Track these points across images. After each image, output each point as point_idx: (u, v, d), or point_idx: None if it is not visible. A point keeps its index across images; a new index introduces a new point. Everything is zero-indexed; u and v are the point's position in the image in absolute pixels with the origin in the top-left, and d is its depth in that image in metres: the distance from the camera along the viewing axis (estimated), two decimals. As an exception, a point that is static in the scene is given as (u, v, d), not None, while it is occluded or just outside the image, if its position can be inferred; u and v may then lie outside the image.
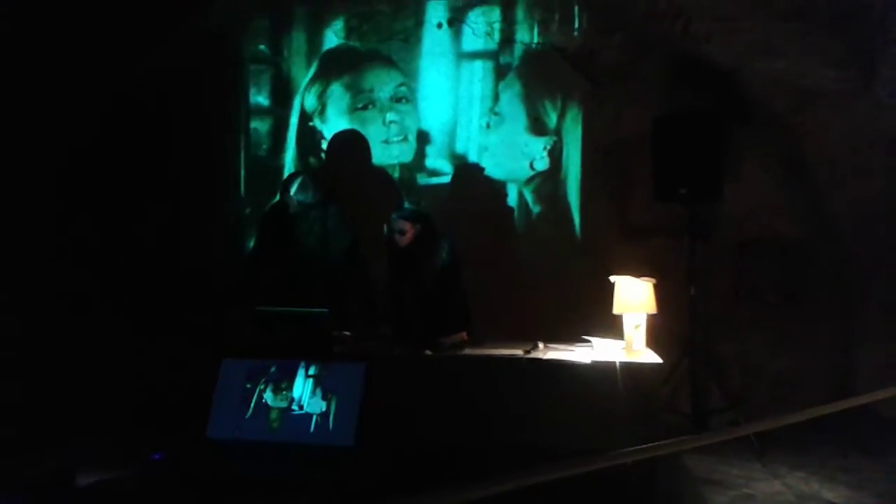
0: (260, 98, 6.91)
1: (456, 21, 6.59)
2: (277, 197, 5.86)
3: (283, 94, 6.89)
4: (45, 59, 5.06)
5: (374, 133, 6.74)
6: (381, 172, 6.71)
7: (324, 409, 3.33)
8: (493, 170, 6.66)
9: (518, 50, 6.62)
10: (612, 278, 4.64)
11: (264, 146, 6.86)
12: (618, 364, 4.24)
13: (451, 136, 6.72)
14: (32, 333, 4.94)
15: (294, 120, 6.84)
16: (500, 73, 6.67)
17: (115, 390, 5.20)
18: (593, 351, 4.53)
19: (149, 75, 5.66)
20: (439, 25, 6.68)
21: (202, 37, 6.24)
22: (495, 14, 6.60)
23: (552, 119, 6.60)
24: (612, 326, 4.73)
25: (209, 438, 3.32)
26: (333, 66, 6.85)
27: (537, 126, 6.61)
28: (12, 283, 4.88)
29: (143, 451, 3.13)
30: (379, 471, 3.59)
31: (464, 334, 4.76)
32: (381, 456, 3.67)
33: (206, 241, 6.33)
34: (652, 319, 4.60)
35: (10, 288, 4.86)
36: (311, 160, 6.79)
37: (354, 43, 6.81)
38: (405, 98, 6.76)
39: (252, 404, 3.38)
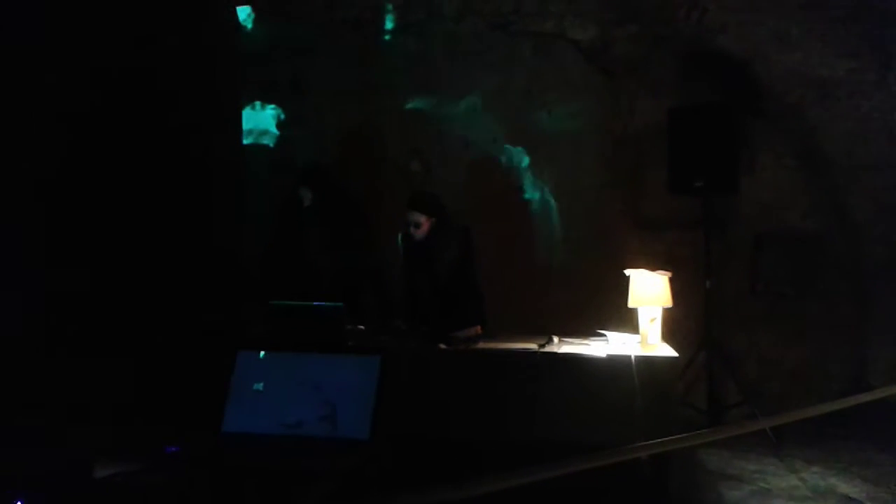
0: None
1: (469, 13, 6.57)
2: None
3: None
4: (41, 55, 5.07)
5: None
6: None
7: (338, 402, 3.33)
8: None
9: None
10: (627, 271, 4.63)
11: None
12: (633, 358, 4.22)
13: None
14: (48, 330, 4.96)
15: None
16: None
17: (132, 384, 5.22)
18: (608, 345, 4.52)
19: (149, 69, 5.66)
20: None
21: (204, 30, 6.24)
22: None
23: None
24: (627, 320, 4.72)
25: (224, 431, 3.33)
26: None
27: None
28: (22, 282, 4.90)
29: (160, 444, 3.14)
30: (394, 464, 3.59)
31: (478, 328, 4.76)
32: (395, 449, 3.67)
33: (219, 235, 6.34)
34: (667, 313, 4.59)
35: (20, 286, 4.89)
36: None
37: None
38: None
39: (267, 398, 3.38)
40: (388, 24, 6.73)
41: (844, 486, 4.62)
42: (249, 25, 6.78)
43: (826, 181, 6.20)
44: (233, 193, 6.57)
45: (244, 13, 6.72)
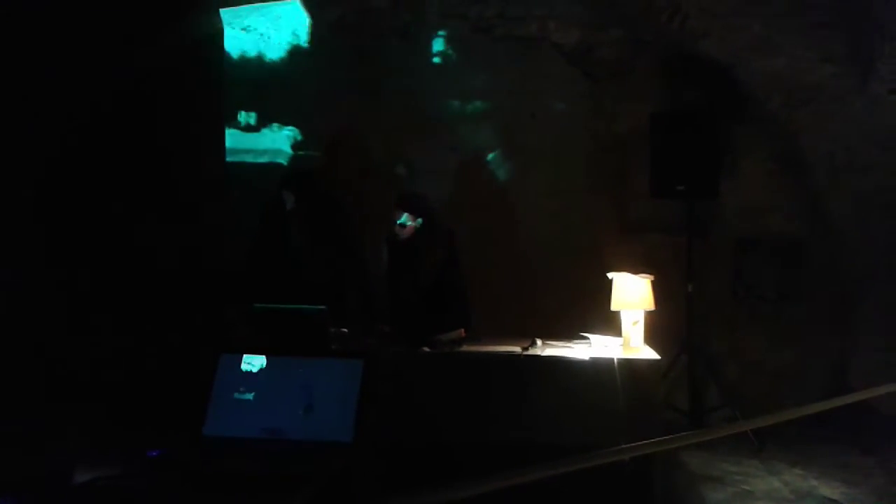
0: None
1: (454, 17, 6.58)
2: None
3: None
4: (33, 58, 5.05)
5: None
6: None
7: (321, 406, 3.32)
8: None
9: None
10: (610, 275, 4.64)
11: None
12: (616, 361, 4.24)
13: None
14: (29, 332, 4.93)
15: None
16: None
17: (113, 387, 5.18)
18: (591, 347, 4.53)
19: (136, 73, 5.64)
20: None
21: (191, 35, 6.22)
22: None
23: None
24: (610, 323, 4.73)
25: (206, 435, 3.31)
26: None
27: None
28: (6, 283, 4.87)
29: (141, 448, 3.12)
30: (377, 467, 3.59)
31: (462, 331, 4.75)
32: (379, 452, 3.66)
33: (201, 239, 6.31)
34: (650, 316, 4.60)
35: (8, 288, 4.86)
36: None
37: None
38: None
39: (249, 401, 3.37)
40: (373, 28, 6.72)
41: (825, 489, 4.65)
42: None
43: (808, 185, 6.24)
44: (216, 196, 6.54)
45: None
